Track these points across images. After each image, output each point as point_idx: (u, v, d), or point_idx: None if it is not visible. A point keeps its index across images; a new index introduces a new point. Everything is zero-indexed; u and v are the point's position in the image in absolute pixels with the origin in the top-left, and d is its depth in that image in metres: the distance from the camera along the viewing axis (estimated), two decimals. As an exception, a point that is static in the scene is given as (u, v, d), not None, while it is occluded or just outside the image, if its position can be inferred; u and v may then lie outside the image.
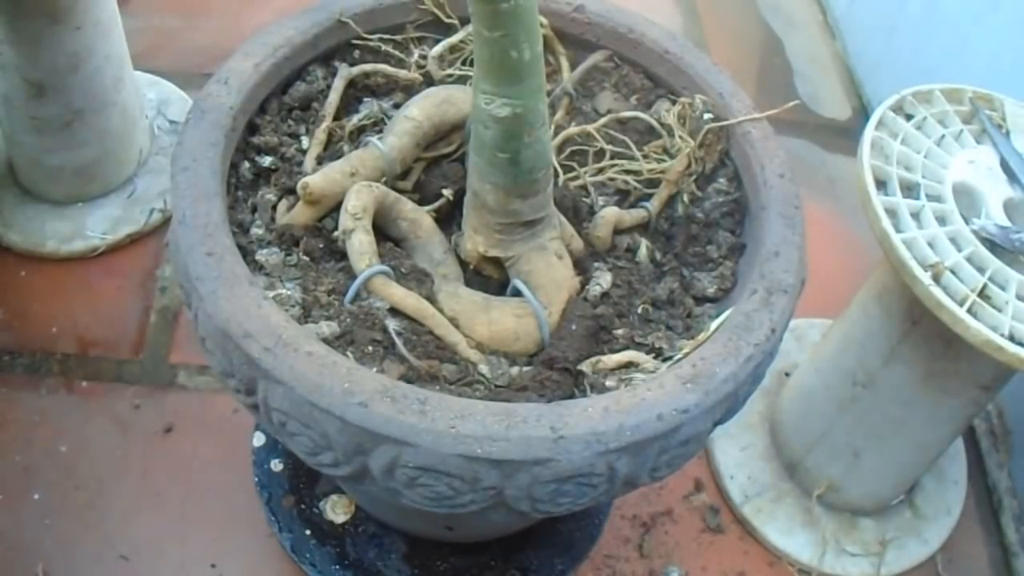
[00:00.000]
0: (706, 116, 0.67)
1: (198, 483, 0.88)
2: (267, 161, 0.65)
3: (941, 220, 0.73)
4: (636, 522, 0.91)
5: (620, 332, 0.61)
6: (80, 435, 0.90)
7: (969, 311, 0.67)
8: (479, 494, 0.51)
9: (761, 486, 0.93)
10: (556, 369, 0.58)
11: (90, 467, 0.88)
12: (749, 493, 0.93)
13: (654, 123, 0.69)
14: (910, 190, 0.74)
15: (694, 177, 0.68)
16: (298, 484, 0.83)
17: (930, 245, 0.70)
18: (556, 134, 0.69)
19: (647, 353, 0.59)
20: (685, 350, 0.57)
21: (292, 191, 0.63)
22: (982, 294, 0.68)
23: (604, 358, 0.58)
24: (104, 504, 0.86)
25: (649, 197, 0.68)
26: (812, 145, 1.31)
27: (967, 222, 0.72)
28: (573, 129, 0.69)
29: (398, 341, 0.56)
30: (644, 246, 0.67)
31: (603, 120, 0.69)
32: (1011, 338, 0.67)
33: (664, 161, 0.68)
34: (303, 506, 0.82)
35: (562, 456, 0.50)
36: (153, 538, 0.84)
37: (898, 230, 0.71)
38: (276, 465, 0.83)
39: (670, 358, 0.58)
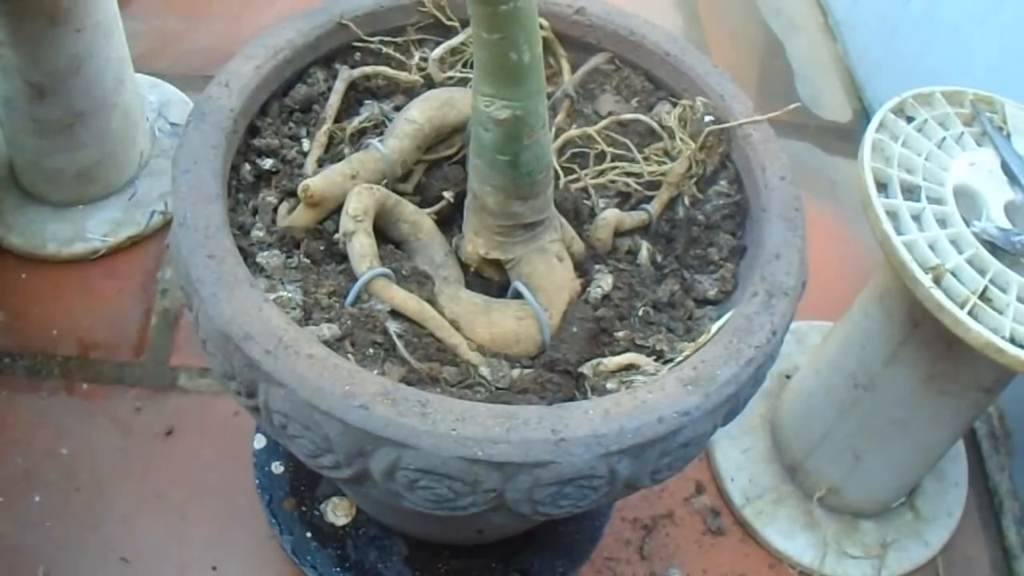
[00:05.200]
0: (707, 118, 0.67)
1: (199, 485, 0.88)
2: (268, 163, 0.65)
3: (942, 222, 0.73)
4: (637, 524, 0.91)
5: (621, 334, 0.61)
6: (81, 437, 0.90)
7: (970, 313, 0.67)
8: (479, 496, 0.51)
9: (762, 488, 0.93)
10: (557, 371, 0.58)
11: (91, 469, 0.88)
12: (750, 495, 0.93)
13: (655, 125, 0.69)
14: (911, 192, 0.74)
15: (695, 179, 0.68)
16: (299, 486, 0.83)
17: (931, 247, 0.70)
18: (557, 136, 0.69)
19: (648, 355, 0.59)
20: (686, 352, 0.57)
21: (293, 193, 0.63)
22: (983, 296, 0.68)
23: (605, 360, 0.58)
24: (105, 506, 0.86)
25: (650, 199, 0.68)
26: (813, 147, 1.31)
27: (968, 224, 0.72)
28: (574, 131, 0.69)
29: (399, 343, 0.56)
30: (645, 248, 0.66)
31: (604, 122, 0.69)
32: (1012, 340, 0.67)
33: (665, 163, 0.68)
34: (304, 508, 0.82)
35: (563, 458, 0.49)
36: (154, 540, 0.84)
37: (899, 232, 0.71)
38: (277, 467, 0.83)
39: (671, 360, 0.58)
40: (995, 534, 0.96)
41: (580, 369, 0.58)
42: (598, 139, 0.69)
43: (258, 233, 0.62)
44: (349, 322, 0.56)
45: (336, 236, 0.61)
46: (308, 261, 0.60)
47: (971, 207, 0.74)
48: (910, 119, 0.79)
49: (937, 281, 0.69)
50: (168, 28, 1.30)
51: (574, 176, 0.69)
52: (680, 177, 0.67)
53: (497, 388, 0.57)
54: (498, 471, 0.49)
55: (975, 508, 0.97)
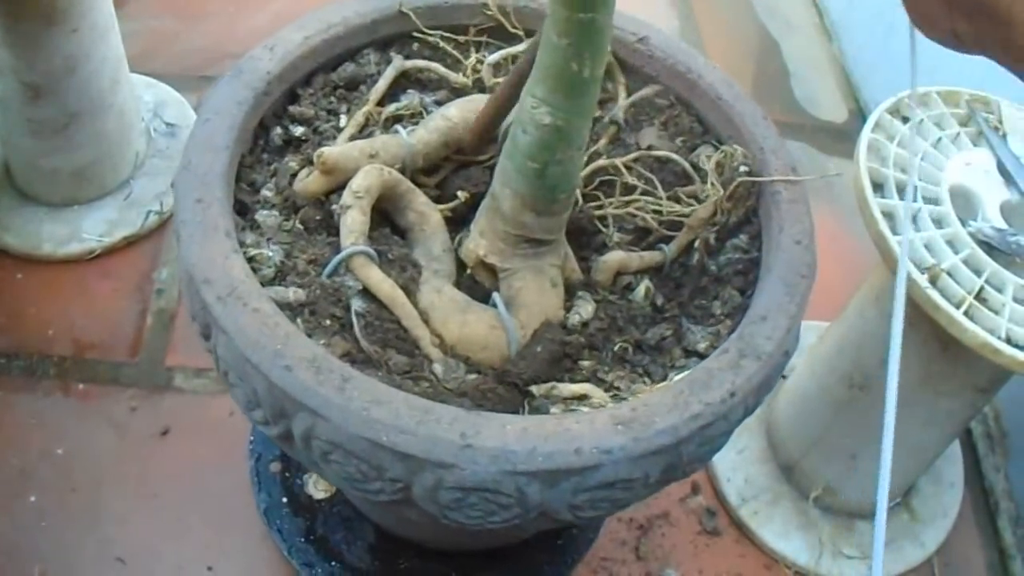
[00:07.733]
0: (741, 169, 0.65)
1: (195, 485, 0.87)
2: (299, 131, 0.66)
3: (938, 223, 0.73)
4: (633, 524, 0.91)
5: (586, 364, 0.60)
6: (77, 437, 0.90)
7: (966, 314, 0.67)
8: (386, 484, 0.50)
9: (758, 488, 0.93)
10: (505, 384, 0.57)
11: (87, 469, 0.88)
12: (746, 495, 0.93)
13: (687, 167, 0.67)
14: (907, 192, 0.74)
15: (716, 228, 0.65)
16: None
17: (927, 248, 0.71)
18: (592, 161, 0.67)
19: (605, 390, 0.58)
20: (638, 394, 0.55)
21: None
22: (979, 297, 0.69)
23: (560, 386, 0.57)
24: (101, 506, 0.86)
25: (669, 240, 0.66)
26: (809, 147, 1.31)
27: (964, 224, 0.72)
28: (602, 161, 0.67)
29: (356, 322, 0.56)
30: (643, 287, 0.65)
31: (632, 155, 0.67)
32: (1008, 340, 0.67)
33: (691, 206, 0.66)
34: (288, 475, 0.82)
35: (467, 465, 0.48)
36: (150, 540, 0.84)
37: (895, 232, 0.71)
38: (272, 430, 0.84)
39: (626, 399, 0.56)
40: (991, 535, 0.97)
41: (530, 388, 0.57)
42: (623, 170, 0.67)
43: (267, 192, 0.63)
44: (318, 291, 0.57)
45: (334, 207, 0.61)
46: (302, 227, 0.61)
47: (967, 207, 0.74)
48: (906, 119, 0.79)
49: (933, 281, 0.69)
50: (164, 28, 1.30)
51: (597, 203, 0.67)
52: (702, 222, 0.65)
53: (444, 388, 0.56)
54: (401, 462, 0.49)
55: (971, 509, 0.98)
